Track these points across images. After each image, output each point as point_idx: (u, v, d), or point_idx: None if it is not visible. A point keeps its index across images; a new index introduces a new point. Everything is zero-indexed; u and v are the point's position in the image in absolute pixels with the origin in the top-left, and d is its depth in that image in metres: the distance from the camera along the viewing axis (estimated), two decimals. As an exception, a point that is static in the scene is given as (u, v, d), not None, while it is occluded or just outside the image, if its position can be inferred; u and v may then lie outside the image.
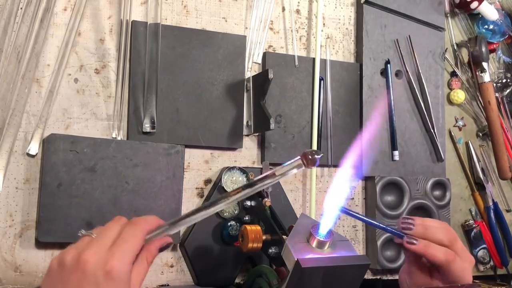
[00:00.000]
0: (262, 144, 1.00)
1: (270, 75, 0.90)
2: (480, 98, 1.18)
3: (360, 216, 0.73)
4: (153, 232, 0.61)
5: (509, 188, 1.23)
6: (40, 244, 0.83)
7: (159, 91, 0.91)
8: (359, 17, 1.10)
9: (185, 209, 0.93)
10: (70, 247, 0.56)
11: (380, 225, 0.72)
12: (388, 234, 1.04)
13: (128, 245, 0.56)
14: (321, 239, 0.65)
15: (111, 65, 0.90)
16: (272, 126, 0.90)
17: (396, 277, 1.08)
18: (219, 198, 0.61)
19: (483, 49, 1.16)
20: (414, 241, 0.68)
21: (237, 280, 0.94)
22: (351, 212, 0.70)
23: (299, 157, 0.59)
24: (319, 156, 0.58)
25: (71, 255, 0.55)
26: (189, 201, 0.94)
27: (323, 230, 0.65)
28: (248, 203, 0.93)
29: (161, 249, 0.60)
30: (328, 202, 0.67)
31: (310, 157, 0.57)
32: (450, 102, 1.18)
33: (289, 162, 0.59)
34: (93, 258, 0.53)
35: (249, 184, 0.60)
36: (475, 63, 1.18)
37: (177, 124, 0.92)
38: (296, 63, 1.03)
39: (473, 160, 1.18)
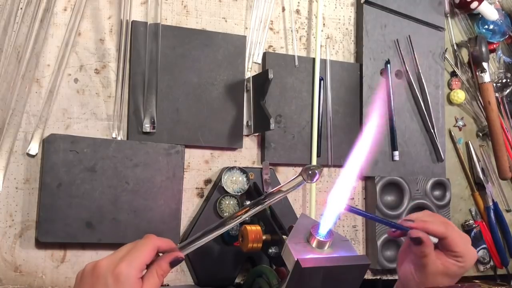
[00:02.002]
0: (262, 144, 1.00)
1: (270, 75, 0.90)
2: (480, 98, 1.18)
3: (365, 213, 0.75)
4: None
5: (509, 188, 1.23)
6: (40, 244, 0.83)
7: (159, 91, 0.91)
8: (359, 17, 1.10)
9: (185, 209, 0.93)
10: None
11: (384, 220, 0.75)
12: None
13: (137, 254, 0.60)
14: (321, 239, 0.65)
15: (111, 65, 0.90)
16: (272, 126, 0.90)
17: (396, 277, 1.08)
18: (227, 218, 0.63)
19: (483, 49, 1.16)
20: (411, 221, 0.74)
21: (237, 280, 0.94)
22: (357, 210, 0.72)
23: (298, 173, 0.62)
24: (318, 171, 0.60)
25: (91, 264, 0.60)
26: (189, 201, 0.94)
27: (323, 230, 0.65)
28: (248, 203, 0.93)
29: (173, 264, 0.63)
30: (332, 200, 0.67)
31: (310, 172, 0.60)
32: (450, 102, 1.18)
33: (290, 180, 0.62)
34: (106, 264, 0.59)
35: (256, 202, 0.63)
36: (475, 63, 1.18)
37: (177, 124, 0.92)
38: (296, 63, 1.03)
39: (473, 160, 1.18)
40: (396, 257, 1.05)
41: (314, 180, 0.61)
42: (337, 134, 1.05)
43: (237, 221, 0.64)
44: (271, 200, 0.62)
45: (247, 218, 0.91)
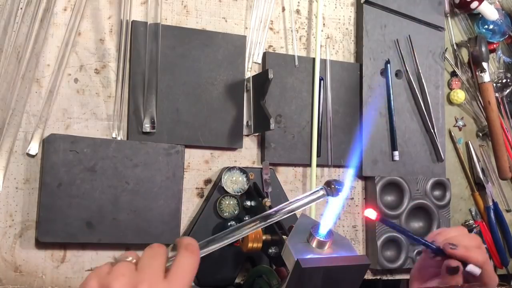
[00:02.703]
0: (262, 144, 1.00)
1: (270, 75, 0.90)
2: (480, 98, 1.18)
3: (400, 228, 0.74)
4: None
5: (509, 188, 1.23)
6: (40, 244, 0.83)
7: (159, 91, 0.91)
8: (359, 17, 1.10)
9: (185, 209, 0.93)
10: (90, 276, 0.50)
11: (421, 239, 0.74)
12: (388, 234, 1.04)
13: (156, 264, 0.51)
14: (321, 239, 0.65)
15: (111, 65, 0.90)
16: (272, 126, 0.90)
17: (396, 277, 1.09)
18: (234, 229, 0.61)
19: (483, 49, 1.16)
20: (455, 247, 0.71)
21: (237, 280, 0.94)
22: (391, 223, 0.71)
23: (321, 186, 0.62)
24: (341, 186, 0.60)
25: (96, 284, 0.49)
26: (189, 201, 0.94)
27: (323, 230, 0.65)
28: (248, 203, 0.93)
29: None
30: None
31: (333, 186, 0.60)
32: (450, 102, 1.18)
33: (310, 192, 0.62)
34: (121, 284, 0.48)
35: (266, 216, 0.61)
36: (475, 63, 1.18)
37: (177, 124, 0.92)
38: (296, 63, 1.03)
39: (473, 160, 1.18)
40: (395, 257, 1.05)
41: (337, 194, 0.61)
42: (337, 134, 1.05)
43: (244, 234, 0.61)
44: (283, 214, 0.62)
45: (246, 218, 0.92)
